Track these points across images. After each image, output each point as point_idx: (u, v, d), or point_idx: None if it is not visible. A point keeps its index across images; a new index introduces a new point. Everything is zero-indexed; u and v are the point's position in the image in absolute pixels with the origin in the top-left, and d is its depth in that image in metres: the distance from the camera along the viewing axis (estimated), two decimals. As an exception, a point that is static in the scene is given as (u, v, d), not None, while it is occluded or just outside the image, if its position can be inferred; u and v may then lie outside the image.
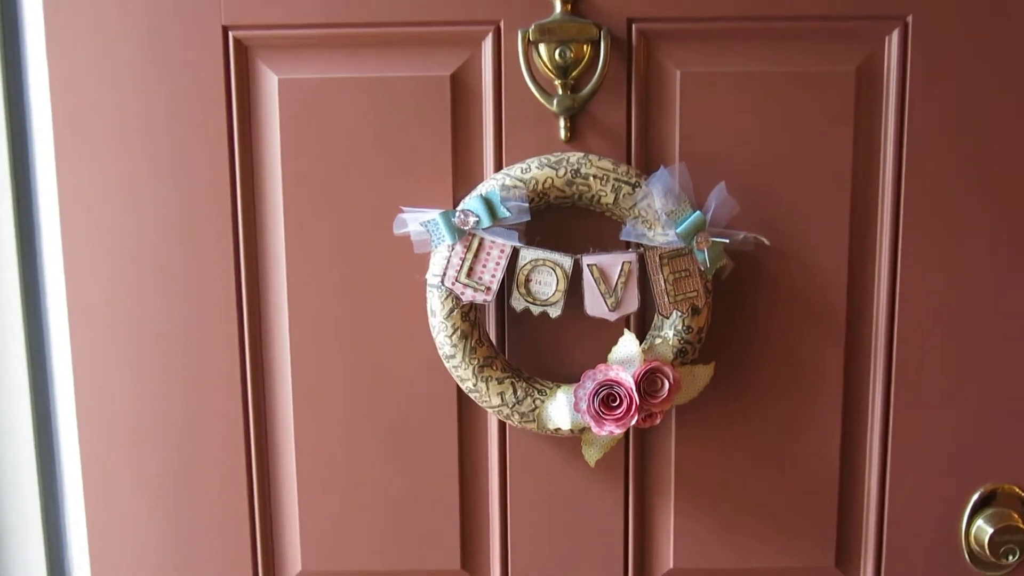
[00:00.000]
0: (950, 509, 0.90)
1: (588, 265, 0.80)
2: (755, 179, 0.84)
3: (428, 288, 0.82)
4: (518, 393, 0.83)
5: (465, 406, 0.89)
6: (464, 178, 0.85)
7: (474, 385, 0.83)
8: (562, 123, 0.82)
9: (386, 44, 0.84)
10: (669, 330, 0.82)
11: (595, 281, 0.80)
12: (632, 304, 0.81)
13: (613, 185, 0.80)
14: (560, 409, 0.82)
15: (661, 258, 0.80)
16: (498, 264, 0.80)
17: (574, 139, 0.84)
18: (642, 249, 0.81)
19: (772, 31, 0.83)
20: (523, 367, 0.87)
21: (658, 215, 0.80)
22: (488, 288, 0.81)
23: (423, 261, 0.83)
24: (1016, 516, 0.89)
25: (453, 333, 0.82)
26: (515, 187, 0.80)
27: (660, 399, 0.80)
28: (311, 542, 0.91)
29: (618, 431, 0.80)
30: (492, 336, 0.87)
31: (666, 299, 0.81)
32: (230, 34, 0.84)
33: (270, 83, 0.85)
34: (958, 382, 0.88)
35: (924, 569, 0.91)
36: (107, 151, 0.85)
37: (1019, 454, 0.89)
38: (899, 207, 0.85)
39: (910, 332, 0.87)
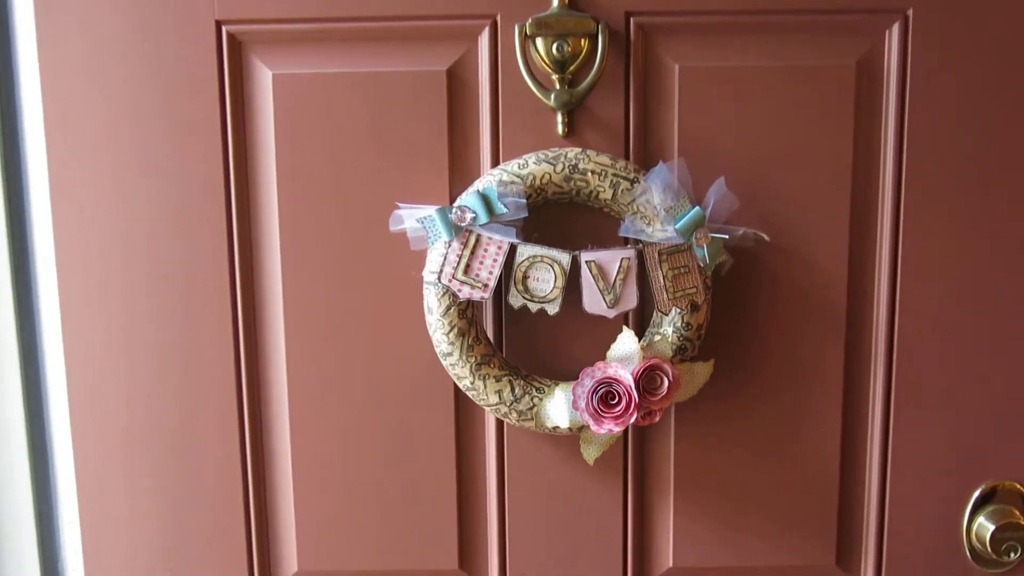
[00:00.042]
0: (951, 506, 0.90)
1: (586, 261, 0.80)
2: (755, 174, 0.84)
3: (424, 285, 0.82)
4: (516, 391, 0.82)
5: (462, 404, 0.88)
6: (461, 174, 0.85)
7: (471, 383, 0.82)
8: (560, 118, 0.82)
9: (382, 39, 0.83)
10: (668, 327, 0.82)
11: (593, 278, 0.80)
12: (631, 301, 0.81)
13: (611, 181, 0.80)
14: (558, 407, 0.82)
15: (660, 254, 0.80)
16: (495, 261, 0.80)
17: (572, 134, 0.83)
18: (641, 245, 0.81)
19: (771, 25, 0.82)
20: (521, 365, 0.86)
21: (657, 211, 0.80)
22: (485, 285, 0.80)
23: (419, 258, 0.83)
24: (1017, 513, 0.89)
25: (450, 331, 0.81)
26: (512, 183, 0.80)
27: (659, 397, 0.80)
28: (307, 542, 0.91)
29: (617, 429, 0.79)
30: (490, 333, 0.86)
31: (665, 295, 0.81)
32: (223, 29, 0.83)
33: (264, 78, 0.84)
34: (959, 378, 0.88)
35: (925, 567, 0.91)
36: (99, 147, 0.85)
37: (1020, 451, 0.89)
38: (900, 202, 0.85)
39: (911, 328, 0.87)
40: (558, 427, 0.82)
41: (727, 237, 0.81)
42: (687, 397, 0.83)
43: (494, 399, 0.82)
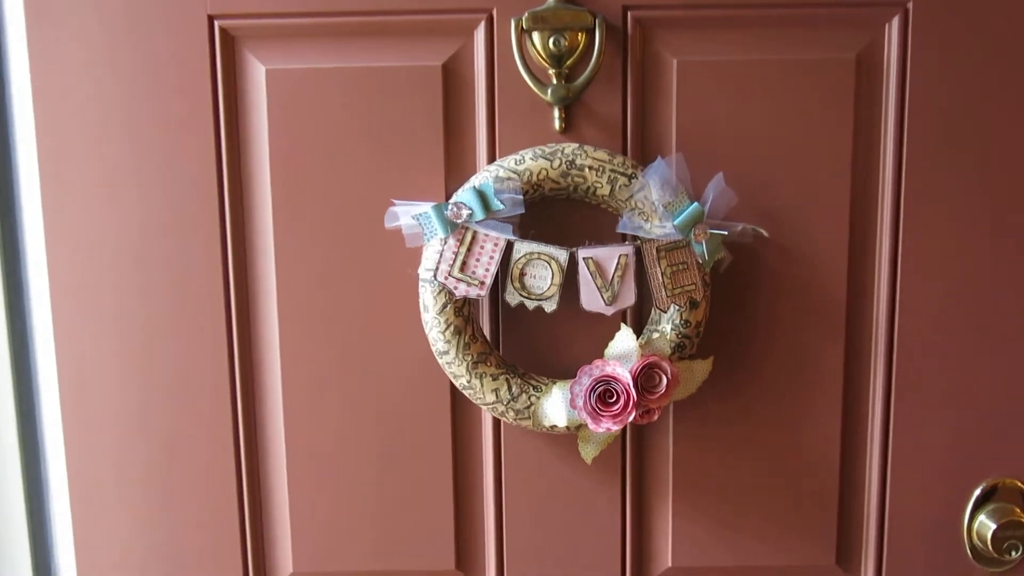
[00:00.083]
0: (951, 505, 0.90)
1: (584, 258, 0.80)
2: (753, 169, 0.84)
3: (420, 283, 0.82)
4: (513, 390, 0.82)
5: (459, 403, 0.88)
6: (457, 170, 0.84)
7: (468, 382, 0.82)
8: (556, 113, 0.82)
9: (376, 33, 0.83)
10: (667, 324, 0.81)
11: (591, 275, 0.80)
12: (629, 298, 0.80)
13: (609, 176, 0.79)
14: (556, 406, 0.81)
15: (658, 251, 0.80)
16: (492, 258, 0.80)
17: (569, 129, 0.83)
18: (639, 242, 0.80)
19: (770, 18, 0.82)
20: (518, 363, 0.86)
21: (655, 207, 0.79)
22: (482, 282, 0.80)
23: (415, 255, 0.83)
24: (1018, 511, 0.89)
25: (446, 329, 0.81)
26: (509, 179, 0.79)
27: (658, 395, 0.80)
28: (303, 543, 0.91)
29: (615, 428, 0.79)
30: (486, 331, 0.86)
31: (663, 292, 0.80)
32: (216, 23, 0.83)
33: (257, 74, 0.84)
34: (959, 376, 0.87)
35: (926, 566, 0.91)
36: (90, 144, 0.84)
37: (1020, 448, 0.89)
38: (900, 197, 0.84)
39: (911, 324, 0.86)
40: (556, 426, 0.82)
41: (726, 233, 0.80)
42: (686, 395, 0.83)
43: (491, 398, 0.82)
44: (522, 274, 0.80)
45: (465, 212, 0.79)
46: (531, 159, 0.80)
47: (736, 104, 0.83)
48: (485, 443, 0.89)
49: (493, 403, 0.82)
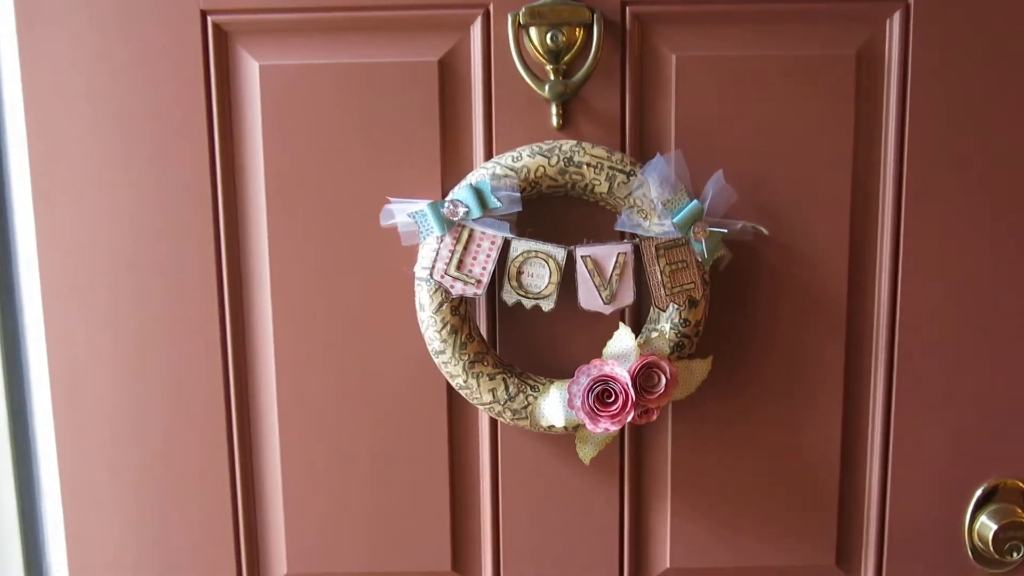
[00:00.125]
0: (952, 505, 0.90)
1: (582, 256, 0.79)
2: (753, 166, 0.83)
3: (416, 281, 0.81)
4: (510, 389, 0.82)
5: (455, 403, 0.88)
6: (453, 167, 0.84)
7: (464, 381, 0.82)
8: (554, 110, 0.81)
9: (372, 29, 0.82)
10: (666, 323, 0.81)
11: (589, 273, 0.79)
12: (627, 297, 0.80)
13: (607, 173, 0.79)
14: (553, 406, 0.81)
15: (657, 249, 0.79)
16: (489, 256, 0.79)
17: (567, 126, 0.83)
18: (637, 240, 0.80)
19: (770, 14, 0.82)
20: (515, 363, 0.86)
21: (654, 204, 0.79)
22: (478, 281, 0.79)
23: (411, 253, 0.82)
24: (1020, 511, 0.88)
25: (442, 328, 0.80)
26: (506, 176, 0.79)
27: (656, 395, 0.80)
28: (297, 544, 0.90)
29: (613, 428, 0.79)
30: (483, 331, 0.86)
31: (662, 291, 0.80)
32: (209, 19, 0.82)
33: (251, 70, 0.83)
34: (960, 375, 0.87)
35: (926, 567, 0.90)
36: (82, 141, 0.84)
37: (1021, 448, 0.89)
38: (901, 195, 0.84)
39: (912, 324, 0.86)
40: (553, 426, 0.82)
41: (725, 231, 0.80)
42: (685, 395, 0.83)
43: (488, 398, 0.82)
44: (519, 272, 0.80)
45: (462, 210, 0.78)
46: (528, 156, 0.79)
47: (736, 100, 0.82)
48: (482, 444, 0.89)
49: (490, 403, 0.82)
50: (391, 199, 0.81)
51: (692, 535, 0.90)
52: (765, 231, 0.83)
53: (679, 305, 0.80)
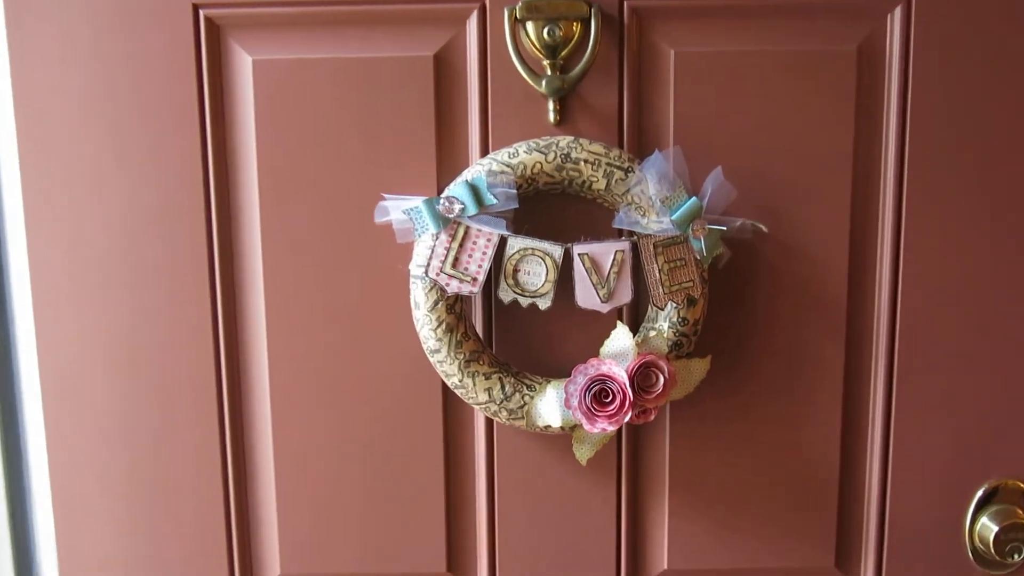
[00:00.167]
0: (953, 506, 0.89)
1: (579, 254, 0.79)
2: (753, 163, 0.83)
3: (411, 279, 0.81)
4: (506, 389, 0.81)
5: (450, 403, 0.88)
6: (449, 163, 0.84)
7: (460, 381, 0.81)
8: (551, 105, 0.81)
9: (366, 23, 0.82)
10: (664, 322, 0.81)
11: (586, 271, 0.79)
12: (625, 295, 0.80)
13: (605, 170, 0.79)
14: (550, 405, 0.81)
15: (655, 246, 0.79)
16: (485, 254, 0.79)
17: (564, 122, 0.82)
18: (635, 237, 0.80)
19: (770, 9, 0.81)
20: (511, 362, 0.85)
21: (652, 201, 0.79)
22: (474, 279, 0.79)
23: (406, 251, 0.82)
24: (1021, 513, 0.88)
25: (438, 326, 0.80)
26: (502, 173, 0.79)
27: (655, 394, 0.79)
28: (290, 545, 0.90)
29: (611, 428, 0.78)
30: (479, 329, 0.86)
31: (661, 289, 0.80)
32: (201, 12, 0.82)
33: (244, 64, 0.83)
34: (961, 374, 0.87)
35: (926, 568, 0.90)
36: (72, 137, 0.83)
37: (1023, 448, 0.88)
38: (902, 191, 0.84)
39: (913, 322, 0.86)
40: (550, 426, 0.82)
41: (725, 229, 0.80)
42: (683, 395, 0.82)
43: (483, 397, 0.81)
44: (516, 270, 0.79)
45: (457, 207, 0.78)
46: (525, 152, 0.79)
47: (735, 97, 0.82)
48: (477, 444, 0.89)
49: (486, 403, 0.82)
50: (386, 196, 0.81)
51: (690, 536, 0.90)
52: (764, 228, 0.82)
53: (677, 303, 0.80)
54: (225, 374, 0.87)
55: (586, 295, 0.79)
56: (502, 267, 0.79)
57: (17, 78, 0.82)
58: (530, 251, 0.79)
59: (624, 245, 0.79)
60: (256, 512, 0.90)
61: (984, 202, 0.84)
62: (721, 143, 0.83)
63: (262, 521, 0.90)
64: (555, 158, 0.79)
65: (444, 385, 0.86)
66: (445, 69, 0.82)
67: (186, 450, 0.88)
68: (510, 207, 0.78)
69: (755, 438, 0.88)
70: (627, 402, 0.78)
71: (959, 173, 0.83)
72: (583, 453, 0.83)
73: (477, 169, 0.79)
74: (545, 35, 0.79)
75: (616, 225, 0.80)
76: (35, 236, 0.85)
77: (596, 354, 0.81)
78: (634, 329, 0.83)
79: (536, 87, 0.80)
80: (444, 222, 0.79)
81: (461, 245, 0.79)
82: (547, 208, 0.83)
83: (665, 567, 0.90)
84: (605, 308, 0.80)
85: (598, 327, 0.83)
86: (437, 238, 0.79)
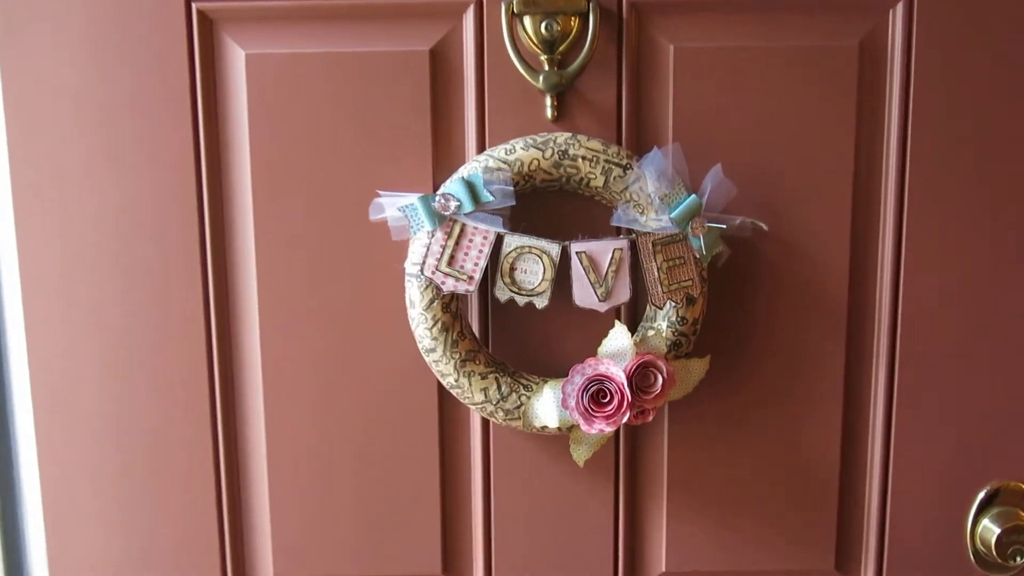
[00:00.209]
0: (954, 509, 0.89)
1: (577, 252, 0.79)
2: (753, 160, 0.83)
3: (407, 277, 0.80)
4: (502, 389, 0.81)
5: (446, 403, 0.87)
6: (445, 160, 0.84)
7: (456, 380, 0.81)
8: (548, 101, 0.81)
9: (361, 17, 0.82)
10: (663, 321, 0.80)
11: (584, 269, 0.79)
12: (623, 294, 0.79)
13: (603, 167, 0.78)
14: (547, 406, 0.80)
15: (654, 245, 0.79)
16: (481, 252, 0.79)
17: (561, 118, 0.82)
18: (634, 235, 0.80)
19: (771, 4, 0.81)
20: (508, 361, 0.85)
21: (651, 199, 0.78)
22: (470, 277, 0.79)
23: (401, 249, 0.82)
24: (1023, 515, 0.88)
25: (433, 325, 0.80)
26: (499, 169, 0.78)
27: (653, 395, 0.79)
28: (283, 547, 0.90)
29: (608, 429, 0.78)
30: (475, 328, 0.85)
31: (659, 288, 0.79)
32: (193, 6, 0.82)
33: (237, 59, 0.83)
34: (962, 375, 0.87)
35: (927, 571, 0.90)
36: (63, 132, 0.83)
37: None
38: (903, 188, 0.84)
39: (914, 322, 0.86)
40: (547, 427, 0.81)
41: (724, 227, 0.80)
42: (682, 395, 0.82)
43: (479, 397, 0.81)
44: (512, 269, 0.79)
45: (453, 204, 0.78)
46: (522, 149, 0.79)
47: (735, 92, 0.82)
48: (473, 444, 0.88)
49: (482, 403, 0.81)
50: (381, 192, 0.81)
51: (688, 538, 0.89)
52: (764, 227, 0.82)
53: (676, 303, 0.80)
54: (217, 373, 0.87)
55: (584, 294, 0.79)
56: (499, 265, 0.79)
57: (6, 72, 0.82)
58: (527, 249, 0.79)
59: (622, 243, 0.79)
60: (249, 514, 0.90)
61: (986, 197, 0.84)
62: (721, 140, 0.82)
63: (255, 523, 0.90)
64: (552, 155, 0.78)
65: (440, 385, 0.86)
66: (441, 64, 0.82)
67: (178, 451, 0.88)
68: (507, 204, 0.78)
69: (755, 439, 0.88)
70: (625, 402, 0.77)
71: (961, 170, 0.83)
72: (580, 454, 0.82)
73: (473, 166, 0.79)
74: (543, 30, 0.79)
75: (614, 223, 0.80)
76: (25, 232, 0.85)
77: (594, 354, 0.80)
78: (632, 328, 0.82)
79: (533, 82, 0.79)
80: (440, 219, 0.78)
81: (457, 243, 0.79)
82: (544, 205, 0.82)
83: (663, 569, 0.90)
84: (603, 307, 0.79)
85: (596, 326, 0.83)
86: (433, 236, 0.78)
